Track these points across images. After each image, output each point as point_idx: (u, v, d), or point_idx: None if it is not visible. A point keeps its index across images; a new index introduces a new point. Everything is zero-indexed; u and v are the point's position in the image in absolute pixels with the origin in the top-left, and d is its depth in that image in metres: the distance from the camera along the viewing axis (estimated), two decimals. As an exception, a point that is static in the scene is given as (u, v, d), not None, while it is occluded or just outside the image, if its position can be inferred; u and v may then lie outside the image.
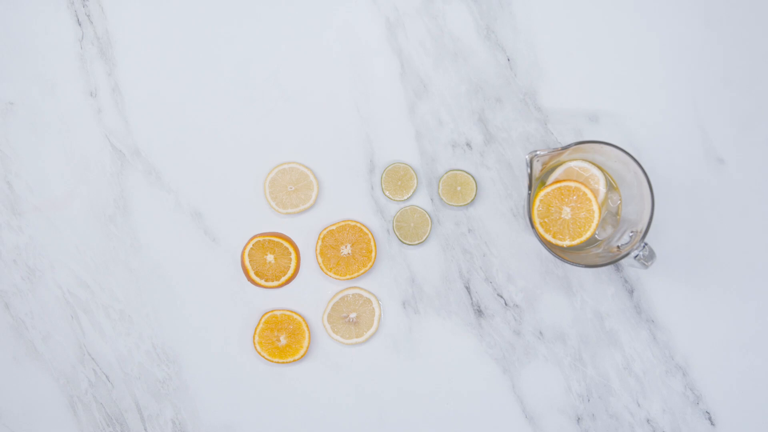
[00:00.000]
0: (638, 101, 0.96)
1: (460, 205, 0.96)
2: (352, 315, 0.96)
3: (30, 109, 0.97)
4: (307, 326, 0.96)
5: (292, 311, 0.96)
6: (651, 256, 0.84)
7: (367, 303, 0.96)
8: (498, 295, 0.96)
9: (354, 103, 0.97)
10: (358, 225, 0.96)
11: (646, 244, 0.83)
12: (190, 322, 0.97)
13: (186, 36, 0.97)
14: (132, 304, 0.97)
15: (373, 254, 0.95)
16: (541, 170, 0.87)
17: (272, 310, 0.96)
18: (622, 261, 0.84)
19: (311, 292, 0.97)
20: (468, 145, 0.96)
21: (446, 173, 0.96)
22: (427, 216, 0.96)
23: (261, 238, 0.96)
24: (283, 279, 0.96)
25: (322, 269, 0.96)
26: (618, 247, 0.87)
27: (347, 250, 0.96)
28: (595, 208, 0.86)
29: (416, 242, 0.96)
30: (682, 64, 0.96)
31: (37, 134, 0.97)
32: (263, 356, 0.96)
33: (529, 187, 0.84)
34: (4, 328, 0.97)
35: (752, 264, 0.95)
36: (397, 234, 0.96)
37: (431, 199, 0.97)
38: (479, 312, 0.96)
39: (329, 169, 0.97)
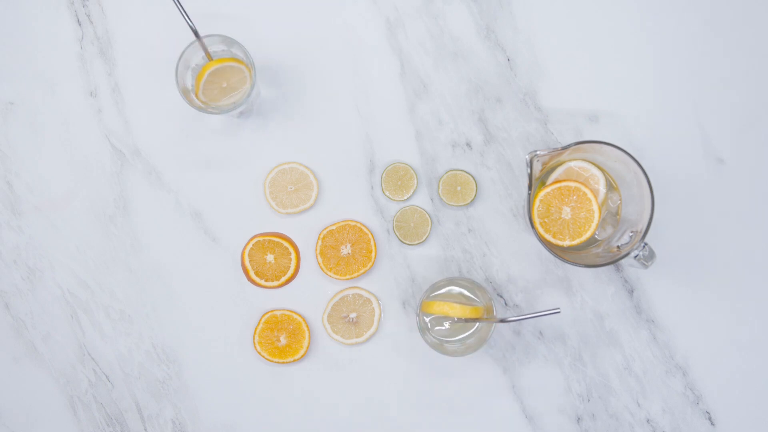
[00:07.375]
0: (638, 101, 0.96)
1: (460, 205, 0.96)
2: (352, 315, 0.96)
3: (30, 109, 0.97)
4: (307, 326, 0.96)
5: (292, 311, 0.96)
6: (651, 256, 0.84)
7: (367, 303, 0.96)
8: (498, 295, 0.96)
9: (354, 103, 0.97)
10: (358, 225, 0.96)
11: (646, 244, 0.83)
12: (190, 322, 0.97)
13: (186, 36, 0.97)
14: (132, 304, 0.97)
15: (373, 254, 0.95)
16: (541, 170, 0.87)
17: (272, 310, 0.96)
18: (622, 261, 0.84)
19: (311, 292, 0.97)
20: (468, 145, 0.96)
21: (446, 173, 0.96)
22: (427, 216, 0.96)
23: (261, 238, 0.96)
24: (283, 279, 0.96)
25: (322, 269, 0.96)
26: (618, 247, 0.87)
27: (347, 250, 0.95)
28: (595, 208, 0.86)
29: (416, 242, 0.96)
30: (682, 65, 0.96)
31: (37, 134, 0.97)
32: (263, 356, 0.95)
33: (529, 187, 0.84)
34: (4, 328, 0.97)
35: (752, 264, 0.95)
36: (397, 234, 0.96)
37: (431, 199, 0.97)
38: (479, 312, 0.96)
39: (329, 169, 0.97)
